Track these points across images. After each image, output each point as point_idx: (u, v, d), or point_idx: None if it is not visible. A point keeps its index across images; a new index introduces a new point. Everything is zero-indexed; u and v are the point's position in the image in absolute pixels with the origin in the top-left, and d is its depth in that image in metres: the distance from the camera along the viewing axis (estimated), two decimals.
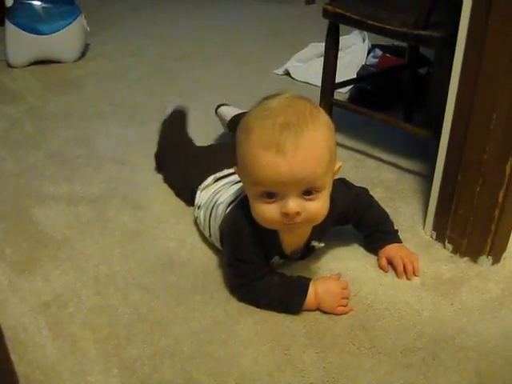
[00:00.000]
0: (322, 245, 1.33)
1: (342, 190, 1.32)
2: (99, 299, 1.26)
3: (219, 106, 1.89)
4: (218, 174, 1.46)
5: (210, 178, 1.47)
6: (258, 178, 1.10)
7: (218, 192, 1.40)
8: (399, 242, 1.39)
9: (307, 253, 1.35)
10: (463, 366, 1.10)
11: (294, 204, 1.10)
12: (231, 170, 1.44)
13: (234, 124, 1.78)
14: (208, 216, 1.38)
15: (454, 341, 1.16)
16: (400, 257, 1.34)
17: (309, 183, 1.09)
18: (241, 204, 1.24)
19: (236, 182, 1.38)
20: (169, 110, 1.86)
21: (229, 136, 1.80)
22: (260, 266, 1.24)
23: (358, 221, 1.39)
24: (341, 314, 1.22)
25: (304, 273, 1.31)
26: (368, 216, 1.39)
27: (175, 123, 1.84)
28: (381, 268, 1.35)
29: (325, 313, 1.22)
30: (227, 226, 1.28)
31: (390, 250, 1.36)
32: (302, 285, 1.23)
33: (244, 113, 1.76)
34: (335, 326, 1.19)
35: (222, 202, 1.34)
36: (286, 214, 1.10)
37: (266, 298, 1.23)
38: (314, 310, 1.23)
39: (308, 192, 1.11)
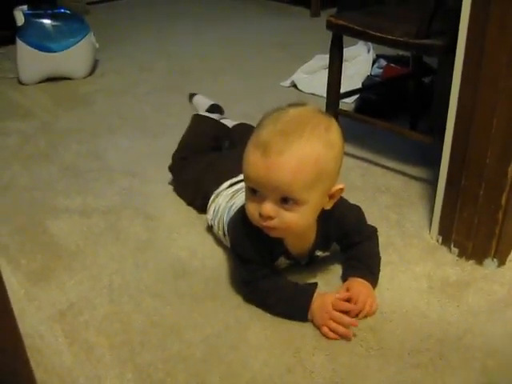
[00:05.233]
0: (327, 254, 1.35)
1: (357, 210, 1.33)
2: (113, 307, 1.29)
3: (192, 96, 2.18)
4: (234, 179, 1.48)
5: (226, 184, 1.48)
6: (245, 172, 1.14)
7: (234, 196, 1.42)
8: (373, 283, 1.30)
9: (312, 260, 1.36)
10: (470, 365, 1.12)
11: (268, 207, 1.12)
12: None
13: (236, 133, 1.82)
14: (226, 219, 1.39)
15: (461, 341, 1.17)
16: (361, 292, 1.24)
17: (284, 192, 1.10)
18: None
19: None
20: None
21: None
22: (264, 264, 1.26)
23: (352, 244, 1.34)
24: (325, 335, 1.18)
25: (309, 277, 1.34)
26: (365, 245, 1.34)
27: (207, 124, 1.85)
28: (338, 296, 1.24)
29: None
30: (231, 228, 1.31)
31: (357, 282, 1.28)
32: (306, 292, 1.23)
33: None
34: None
35: (236, 206, 1.36)
36: (260, 215, 1.13)
37: (272, 299, 1.24)
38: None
39: (285, 200, 1.11)
